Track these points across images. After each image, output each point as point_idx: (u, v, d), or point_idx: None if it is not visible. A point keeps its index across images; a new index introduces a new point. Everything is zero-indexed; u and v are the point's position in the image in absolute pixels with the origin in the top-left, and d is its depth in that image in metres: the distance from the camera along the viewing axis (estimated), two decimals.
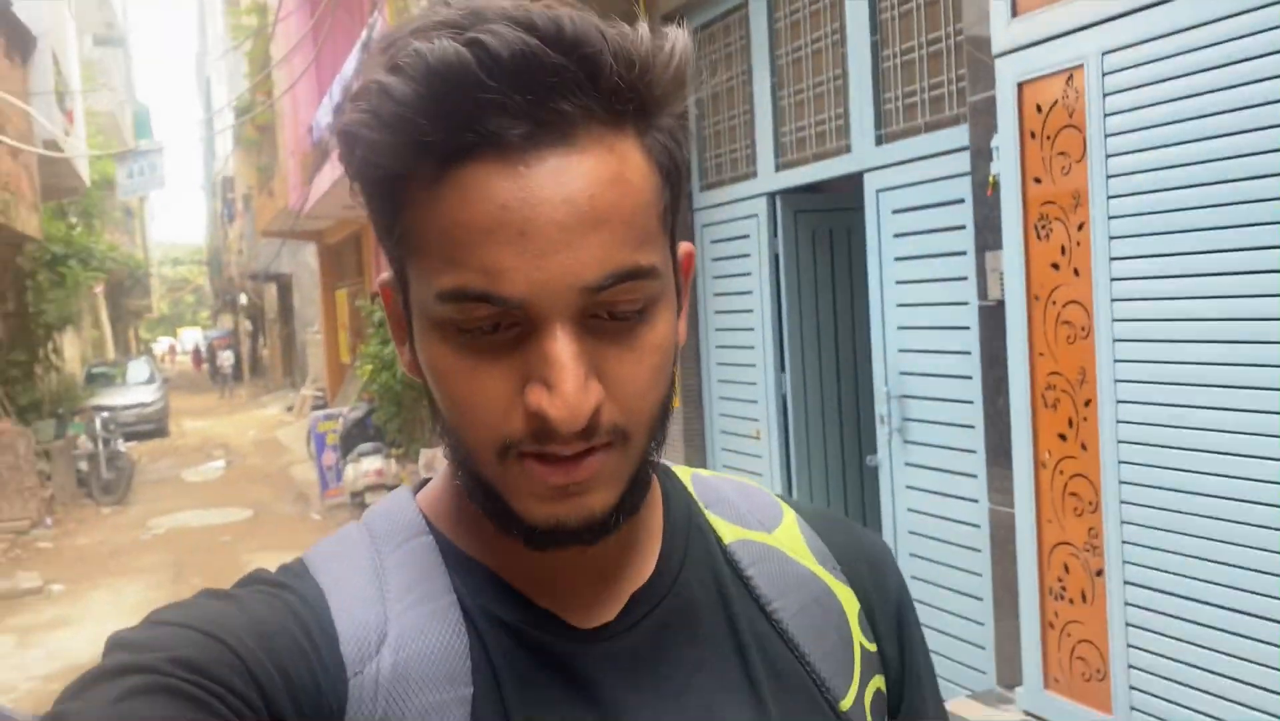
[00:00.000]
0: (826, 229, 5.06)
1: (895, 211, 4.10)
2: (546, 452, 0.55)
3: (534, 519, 0.57)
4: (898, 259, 4.10)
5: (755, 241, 5.10)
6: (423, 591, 0.61)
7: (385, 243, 0.60)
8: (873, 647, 0.72)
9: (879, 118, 4.23)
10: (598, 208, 0.53)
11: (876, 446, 4.34)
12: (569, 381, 0.53)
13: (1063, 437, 3.18)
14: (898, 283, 4.11)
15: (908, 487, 4.19)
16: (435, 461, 10.07)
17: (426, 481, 0.71)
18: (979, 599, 3.83)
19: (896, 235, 4.10)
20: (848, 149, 4.43)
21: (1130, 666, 2.99)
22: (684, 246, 0.65)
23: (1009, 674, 3.58)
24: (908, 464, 4.18)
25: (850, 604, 0.71)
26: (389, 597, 0.60)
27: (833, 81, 4.54)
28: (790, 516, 0.75)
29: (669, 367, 0.60)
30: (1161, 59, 2.73)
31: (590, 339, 0.55)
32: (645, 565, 0.67)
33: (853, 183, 4.38)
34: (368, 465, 9.48)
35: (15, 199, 11.61)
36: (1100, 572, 3.08)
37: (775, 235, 5.01)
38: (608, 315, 0.55)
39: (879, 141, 4.23)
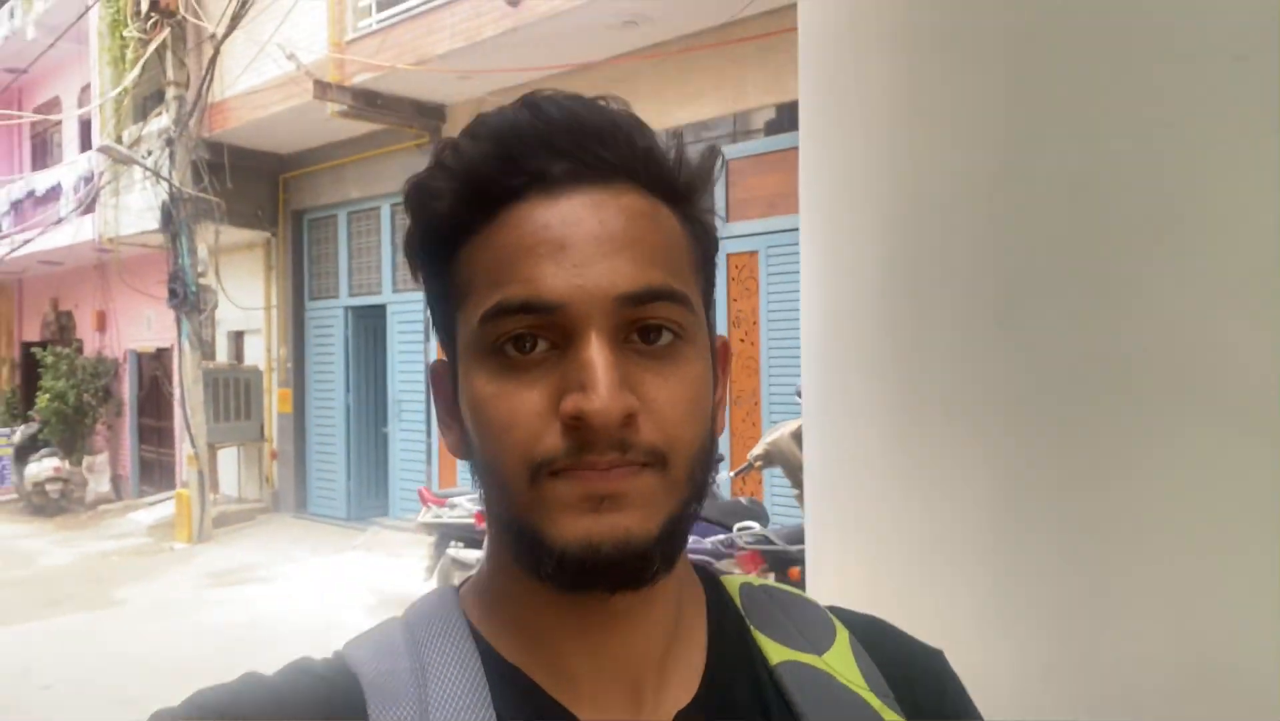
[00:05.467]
0: (374, 326, 10.59)
1: (400, 324, 9.77)
2: (581, 464, 0.54)
3: (565, 540, 0.54)
4: (402, 349, 9.73)
5: (338, 326, 10.54)
6: (461, 702, 0.57)
7: (438, 311, 0.63)
8: None
9: (394, 281, 9.87)
10: (632, 231, 0.56)
11: (388, 423, 9.93)
12: (603, 379, 0.53)
13: None
14: (400, 355, 9.75)
15: (402, 450, 9.79)
16: (95, 466, 14.03)
17: (469, 579, 0.68)
18: None
19: (401, 335, 9.74)
20: (379, 291, 10.03)
21: None
22: (721, 337, 0.65)
23: None
24: (401, 431, 9.78)
25: None
26: (428, 704, 0.57)
27: (374, 256, 10.12)
28: (843, 636, 0.69)
29: (707, 408, 0.59)
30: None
31: (625, 360, 0.55)
32: (690, 680, 0.63)
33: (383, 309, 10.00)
34: (48, 463, 13.29)
35: None
36: None
37: (347, 327, 10.48)
38: (641, 339, 0.56)
39: (394, 290, 9.88)
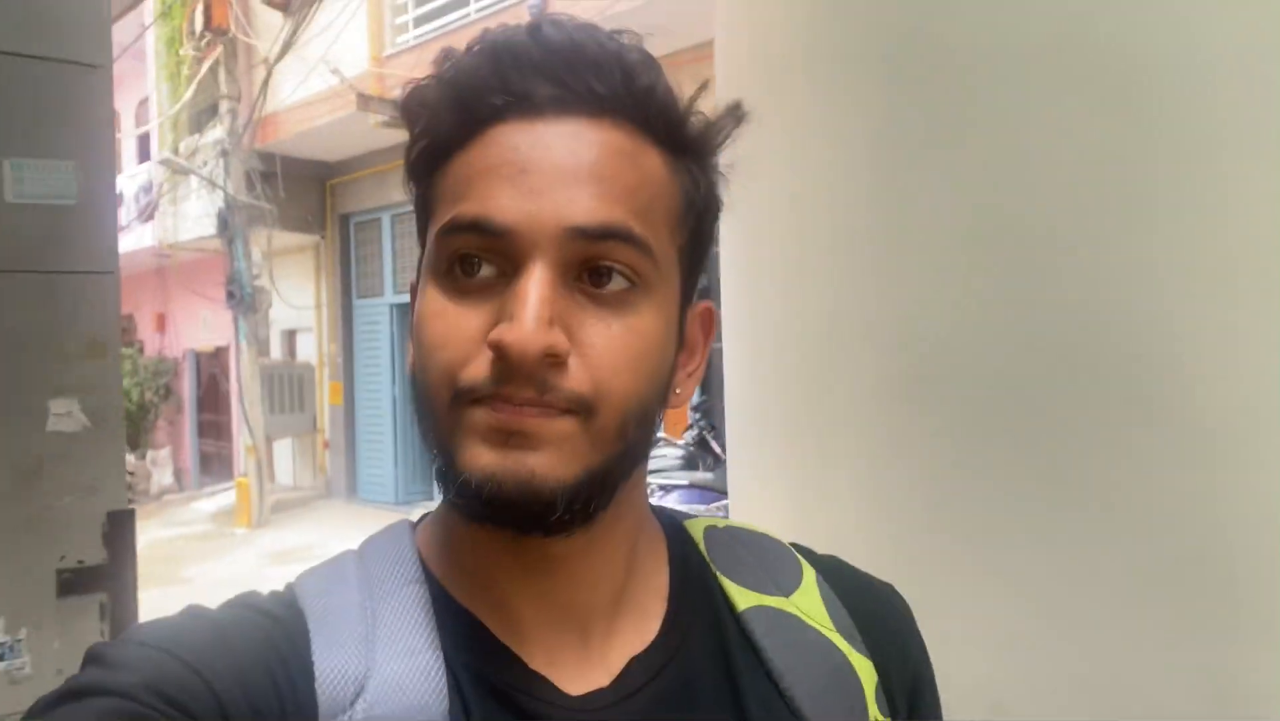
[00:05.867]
0: None
1: None
2: (498, 396, 0.52)
3: (469, 469, 0.52)
4: None
5: (384, 323, 11.20)
6: (409, 644, 0.56)
7: (420, 222, 0.61)
8: None
9: None
10: (603, 167, 0.54)
11: None
12: (529, 311, 0.51)
13: None
14: None
15: None
16: (158, 460, 14.82)
17: (427, 515, 0.66)
18: None
19: None
20: None
21: None
22: (704, 304, 0.63)
23: None
24: None
25: (868, 677, 0.64)
26: (375, 644, 0.55)
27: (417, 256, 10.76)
28: (810, 577, 0.68)
29: (655, 366, 0.56)
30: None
31: (567, 297, 0.53)
32: (647, 628, 0.61)
33: None
34: None
35: None
36: None
37: (392, 323, 11.13)
38: (591, 281, 0.54)
39: None
